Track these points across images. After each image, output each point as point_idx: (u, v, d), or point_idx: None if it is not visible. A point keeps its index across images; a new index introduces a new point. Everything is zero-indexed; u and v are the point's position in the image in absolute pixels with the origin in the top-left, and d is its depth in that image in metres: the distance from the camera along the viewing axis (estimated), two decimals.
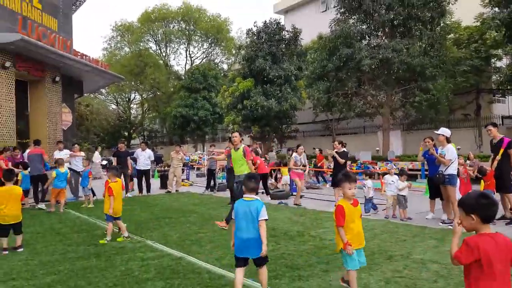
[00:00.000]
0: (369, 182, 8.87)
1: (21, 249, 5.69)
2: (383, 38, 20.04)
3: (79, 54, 17.61)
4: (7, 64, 13.75)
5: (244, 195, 3.84)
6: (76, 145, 12.88)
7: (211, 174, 13.87)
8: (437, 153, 7.55)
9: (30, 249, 5.79)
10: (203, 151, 32.12)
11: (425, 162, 8.97)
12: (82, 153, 12.61)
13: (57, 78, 16.69)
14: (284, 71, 23.24)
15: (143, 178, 12.98)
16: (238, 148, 7.28)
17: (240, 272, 3.73)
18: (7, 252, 5.54)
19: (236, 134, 7.44)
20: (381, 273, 4.49)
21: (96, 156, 20.27)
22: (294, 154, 10.74)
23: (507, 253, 2.28)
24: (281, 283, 4.19)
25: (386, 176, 8.77)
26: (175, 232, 6.77)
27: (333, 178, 10.28)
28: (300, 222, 7.58)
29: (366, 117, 22.53)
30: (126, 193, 12.47)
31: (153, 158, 13.14)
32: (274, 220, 7.82)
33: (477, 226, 2.36)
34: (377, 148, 20.97)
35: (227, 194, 12.91)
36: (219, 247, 5.75)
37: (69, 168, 10.72)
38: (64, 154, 12.07)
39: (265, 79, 23.84)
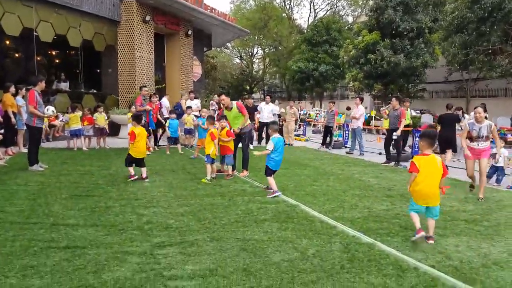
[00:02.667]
0: (503, 151, 7.94)
1: (147, 180, 6.82)
2: None
3: (209, 8, 18.66)
4: (147, 18, 15.39)
5: (275, 135, 6.12)
6: (218, 96, 14.03)
7: (328, 131, 13.87)
8: None
9: (167, 183, 6.74)
10: (321, 107, 31.91)
11: None
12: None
13: (190, 32, 18.10)
14: (417, 23, 21.13)
15: (264, 130, 13.49)
16: (232, 108, 7.68)
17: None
18: (134, 178, 6.75)
19: (223, 96, 7.81)
20: (506, 245, 4.17)
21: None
22: (467, 117, 9.46)
23: None
24: (394, 240, 4.19)
25: None
26: (291, 182, 7.12)
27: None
28: None
29: (511, 78, 19.50)
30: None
31: (276, 112, 13.45)
32: (390, 180, 7.63)
33: None
34: None
35: (342, 152, 12.87)
36: (332, 200, 5.92)
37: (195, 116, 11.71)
38: (195, 103, 13.34)
39: (394, 32, 22.10)
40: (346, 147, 14.07)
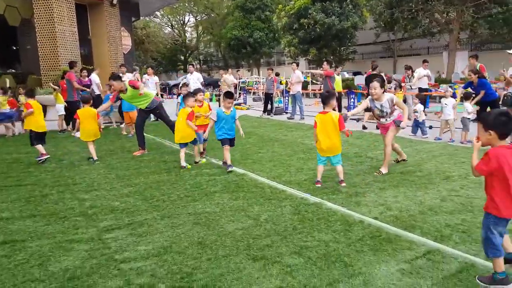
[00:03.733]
0: (420, 106, 8.59)
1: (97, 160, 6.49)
2: None
3: None
4: None
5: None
6: (150, 68, 13.33)
7: (268, 98, 13.96)
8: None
9: (106, 164, 6.44)
10: (259, 75, 31.92)
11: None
12: (156, 77, 12.99)
13: (115, 1, 16.88)
14: None
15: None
16: (126, 89, 6.99)
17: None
18: (45, 157, 6.52)
19: (112, 82, 7.08)
20: (437, 192, 4.56)
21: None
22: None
23: None
24: (339, 198, 4.40)
25: (442, 99, 8.47)
26: (237, 152, 7.11)
27: None
28: (358, 145, 7.62)
29: (431, 37, 20.84)
30: None
31: (202, 80, 13.10)
32: None
33: (493, 141, 2.56)
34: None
35: (283, 117, 13.08)
36: (279, 165, 6.03)
37: None
38: (126, 78, 12.65)
39: None
40: (287, 112, 14.32)
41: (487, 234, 2.56)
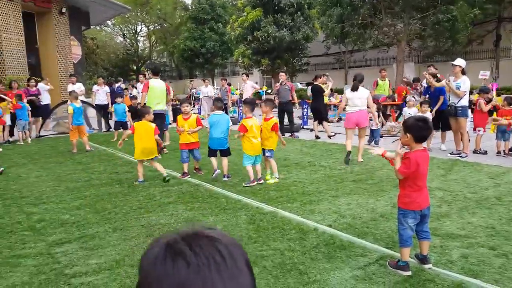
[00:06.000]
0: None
1: None
2: None
3: None
4: None
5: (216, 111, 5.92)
6: (100, 78, 12.86)
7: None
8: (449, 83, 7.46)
9: (55, 176, 6.16)
10: (213, 85, 31.86)
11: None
12: (106, 87, 12.49)
13: (64, 9, 16.32)
14: None
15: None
16: None
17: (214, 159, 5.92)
18: None
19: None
20: (389, 198, 4.75)
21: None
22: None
23: (427, 162, 3.03)
24: (293, 206, 4.49)
25: (405, 109, 8.84)
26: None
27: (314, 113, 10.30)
28: (311, 154, 7.82)
29: (382, 48, 21.87)
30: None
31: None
32: (285, 151, 8.01)
33: (410, 143, 2.96)
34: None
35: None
36: (233, 175, 6.04)
37: (82, 101, 10.62)
38: (77, 87, 12.16)
39: (276, 8, 22.96)
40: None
41: (398, 227, 3.03)
